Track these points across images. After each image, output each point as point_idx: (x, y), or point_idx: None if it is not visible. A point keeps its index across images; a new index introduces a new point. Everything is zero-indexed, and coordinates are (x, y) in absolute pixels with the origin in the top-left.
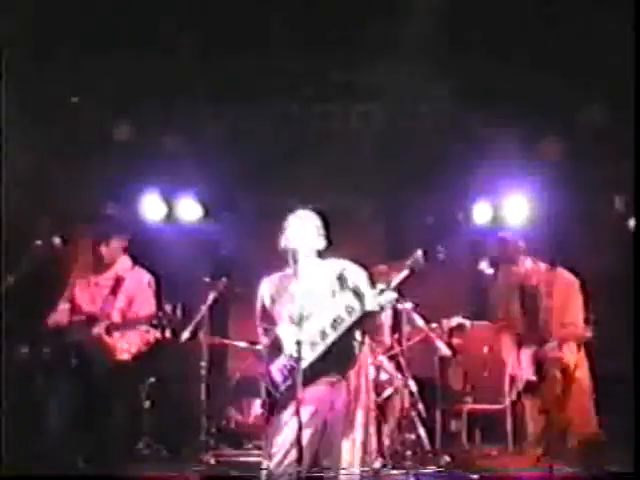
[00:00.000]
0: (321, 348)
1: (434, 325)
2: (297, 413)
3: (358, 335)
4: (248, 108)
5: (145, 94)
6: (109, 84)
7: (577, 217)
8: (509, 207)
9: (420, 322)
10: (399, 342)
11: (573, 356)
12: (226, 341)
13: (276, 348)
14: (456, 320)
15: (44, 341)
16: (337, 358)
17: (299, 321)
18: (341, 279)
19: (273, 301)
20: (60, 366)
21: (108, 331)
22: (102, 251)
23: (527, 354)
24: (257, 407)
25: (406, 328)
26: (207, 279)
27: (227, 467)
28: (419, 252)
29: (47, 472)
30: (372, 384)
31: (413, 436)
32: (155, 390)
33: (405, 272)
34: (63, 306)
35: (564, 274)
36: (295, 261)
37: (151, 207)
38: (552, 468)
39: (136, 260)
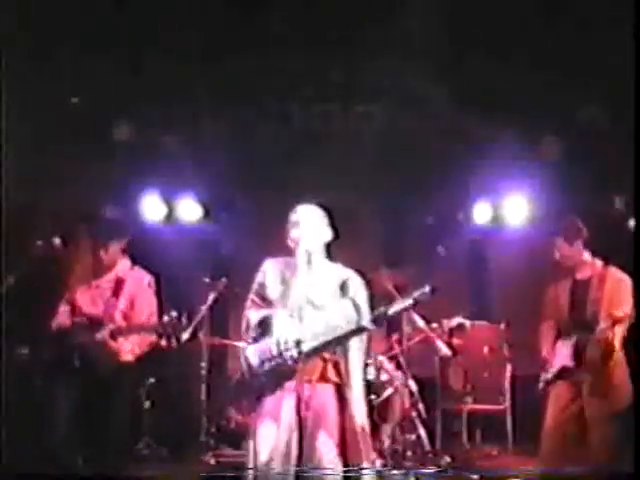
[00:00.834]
0: (308, 347)
1: (434, 325)
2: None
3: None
4: (248, 108)
5: (145, 94)
6: (109, 84)
7: (577, 217)
8: (509, 207)
9: (420, 322)
10: (399, 342)
11: (618, 342)
12: (226, 341)
13: (262, 329)
14: (456, 320)
15: (45, 343)
16: (327, 358)
17: (296, 315)
18: (343, 288)
19: (272, 283)
20: (61, 367)
21: (112, 336)
22: (101, 253)
23: (567, 342)
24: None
25: (406, 328)
26: (207, 279)
27: (227, 467)
28: (427, 288)
29: (47, 472)
30: (365, 385)
31: (413, 436)
32: (155, 390)
33: (408, 303)
34: (64, 308)
35: (616, 271)
36: (301, 258)
37: (151, 207)
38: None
39: (136, 261)
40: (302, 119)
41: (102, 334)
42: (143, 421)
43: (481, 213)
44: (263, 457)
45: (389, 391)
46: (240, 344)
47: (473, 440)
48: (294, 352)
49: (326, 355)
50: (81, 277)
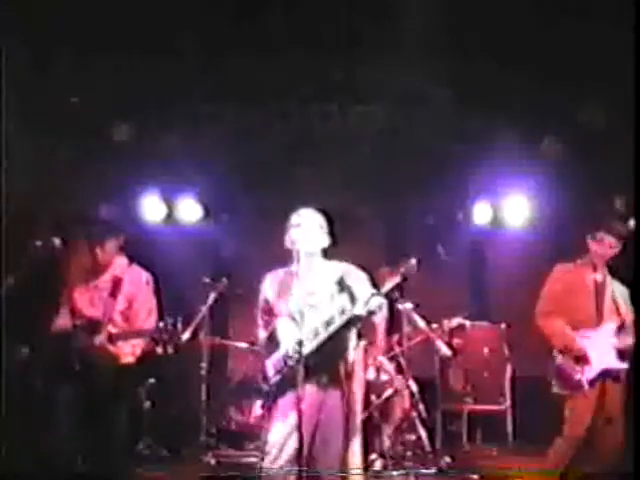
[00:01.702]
0: (311, 346)
1: (434, 325)
2: (297, 412)
3: (352, 338)
4: (248, 108)
5: (145, 94)
6: (109, 84)
7: (577, 217)
8: (509, 207)
9: (420, 322)
10: (399, 343)
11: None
12: (226, 342)
13: (273, 342)
14: (456, 320)
15: (46, 344)
16: (329, 360)
17: (298, 319)
18: (340, 283)
19: (275, 296)
20: (61, 367)
21: (111, 340)
22: (98, 253)
23: (606, 340)
24: (257, 408)
25: (407, 329)
26: (207, 280)
27: (227, 467)
28: (413, 260)
29: (47, 472)
30: (365, 386)
31: (413, 436)
32: (155, 390)
33: (397, 279)
34: (64, 310)
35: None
36: (299, 260)
37: (151, 208)
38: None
39: (133, 259)
40: (302, 119)
41: (100, 339)
42: (143, 421)
43: (481, 213)
44: (273, 459)
45: (389, 392)
46: (240, 344)
47: (473, 440)
48: (296, 354)
49: (332, 357)
50: (80, 277)
